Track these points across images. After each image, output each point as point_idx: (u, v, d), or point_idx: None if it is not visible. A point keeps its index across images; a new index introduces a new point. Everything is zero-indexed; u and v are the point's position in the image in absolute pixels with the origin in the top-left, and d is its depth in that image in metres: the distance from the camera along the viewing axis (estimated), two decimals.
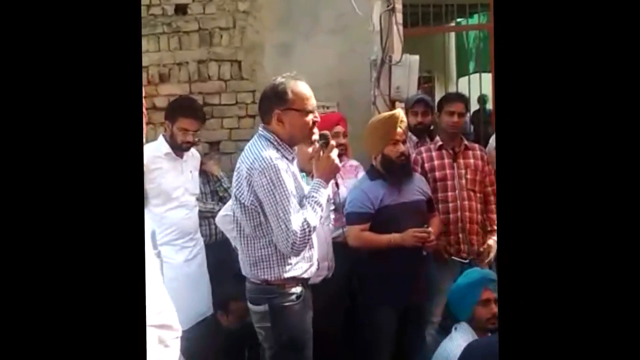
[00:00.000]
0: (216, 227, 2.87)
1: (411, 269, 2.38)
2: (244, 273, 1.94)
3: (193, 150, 2.82)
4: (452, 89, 5.43)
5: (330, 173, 1.93)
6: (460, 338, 2.06)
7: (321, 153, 1.92)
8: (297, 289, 1.90)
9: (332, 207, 2.59)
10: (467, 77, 6.27)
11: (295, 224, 1.79)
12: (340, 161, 2.79)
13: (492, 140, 2.83)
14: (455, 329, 2.14)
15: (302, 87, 1.89)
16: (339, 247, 2.53)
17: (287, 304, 1.87)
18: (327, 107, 3.21)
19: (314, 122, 1.90)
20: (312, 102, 1.90)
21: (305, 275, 1.93)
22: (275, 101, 1.87)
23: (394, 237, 2.33)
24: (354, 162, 2.85)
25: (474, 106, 6.26)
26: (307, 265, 1.92)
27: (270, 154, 1.82)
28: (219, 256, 2.72)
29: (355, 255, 2.49)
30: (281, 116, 1.86)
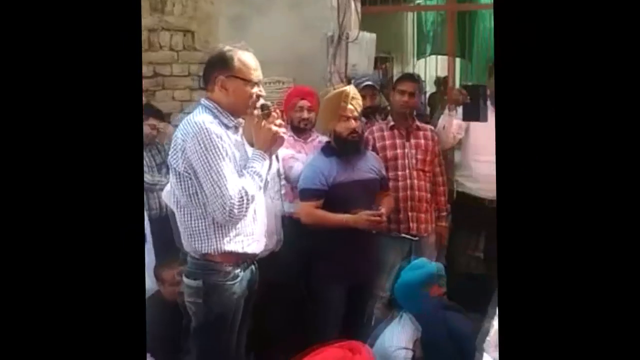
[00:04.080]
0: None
1: (360, 246, 2.40)
2: (182, 246, 1.90)
3: None
4: (409, 70, 5.47)
5: (270, 144, 1.89)
6: (400, 330, 2.08)
7: (263, 124, 1.89)
8: (237, 270, 1.87)
9: (283, 182, 2.57)
10: (424, 59, 6.33)
11: (232, 190, 1.75)
12: (308, 137, 2.80)
13: (441, 120, 2.87)
14: (401, 317, 2.15)
15: (249, 58, 1.85)
16: (291, 222, 2.52)
17: (222, 282, 1.83)
18: (283, 83, 3.17)
19: (258, 96, 1.86)
20: (258, 74, 1.86)
21: (249, 250, 1.90)
22: (219, 67, 1.84)
23: (346, 218, 2.34)
24: (325, 138, 2.83)
25: (432, 88, 6.35)
26: (248, 240, 1.89)
27: (204, 118, 1.78)
28: (166, 230, 2.66)
29: (305, 231, 2.50)
30: (224, 83, 1.82)
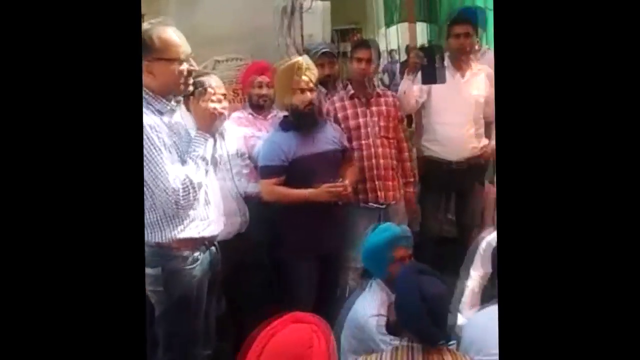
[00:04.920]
0: None
1: (328, 219, 2.39)
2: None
3: None
4: (380, 40, 5.41)
5: (209, 123, 1.83)
6: (371, 297, 2.08)
7: (199, 102, 1.82)
8: (195, 253, 1.84)
9: (247, 162, 2.54)
10: (396, 27, 6.26)
11: (174, 181, 1.71)
12: (267, 113, 2.75)
13: (402, 85, 2.84)
14: (370, 285, 2.15)
15: (171, 34, 1.74)
16: (258, 202, 2.50)
17: (181, 267, 1.81)
18: (240, 59, 3.10)
19: (190, 72, 1.78)
20: (184, 50, 1.76)
21: (206, 234, 1.87)
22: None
23: (308, 192, 2.31)
24: (285, 113, 2.78)
25: (403, 56, 6.29)
26: (203, 224, 1.85)
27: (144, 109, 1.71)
28: None
29: (273, 209, 2.48)
30: (150, 67, 1.72)
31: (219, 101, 1.84)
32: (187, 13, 3.05)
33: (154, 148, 1.69)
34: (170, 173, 1.70)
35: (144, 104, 1.75)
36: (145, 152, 1.68)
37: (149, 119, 1.71)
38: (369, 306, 2.07)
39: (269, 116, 2.74)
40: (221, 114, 1.85)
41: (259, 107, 2.71)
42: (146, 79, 1.75)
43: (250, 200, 2.50)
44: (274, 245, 2.48)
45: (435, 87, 2.80)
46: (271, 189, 2.38)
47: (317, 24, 2.87)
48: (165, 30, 1.74)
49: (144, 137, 1.68)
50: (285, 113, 2.49)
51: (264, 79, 2.66)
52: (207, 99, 1.82)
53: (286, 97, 2.38)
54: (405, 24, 5.71)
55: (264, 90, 2.67)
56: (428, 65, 2.65)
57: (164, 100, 1.78)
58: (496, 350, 1.84)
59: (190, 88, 1.81)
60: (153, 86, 1.75)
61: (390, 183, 2.72)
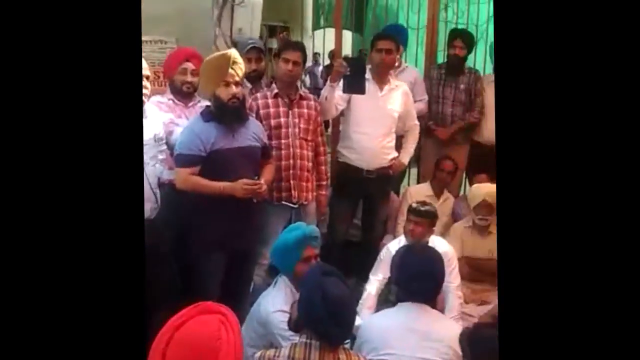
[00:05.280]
0: None
1: (242, 215, 2.40)
2: None
3: None
4: (307, 42, 5.48)
5: None
6: (275, 293, 2.13)
7: None
8: None
9: (163, 148, 2.48)
10: (322, 31, 6.36)
11: None
12: (189, 101, 2.68)
13: (324, 91, 2.94)
14: (276, 282, 2.20)
15: None
16: (171, 189, 2.45)
17: None
18: (165, 42, 3.01)
19: None
20: None
21: None
22: None
23: (224, 185, 2.31)
24: (207, 103, 2.73)
25: (327, 60, 6.42)
26: None
27: None
28: None
29: (186, 198, 2.44)
30: None
31: (186, 94, 1.79)
32: None
33: None
34: None
35: None
36: None
37: None
38: (273, 302, 2.12)
39: (190, 104, 2.69)
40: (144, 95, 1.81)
41: (181, 93, 2.65)
42: None
43: (163, 187, 2.44)
44: (184, 235, 2.45)
45: (355, 97, 2.92)
46: (186, 178, 2.35)
47: (247, 18, 2.87)
48: None
49: None
50: (208, 103, 2.47)
51: (189, 65, 2.62)
52: None
53: (211, 88, 2.36)
54: (331, 30, 5.86)
55: (189, 78, 2.62)
56: (351, 75, 2.76)
57: None
58: (392, 351, 1.95)
59: None
60: None
61: (304, 184, 2.79)
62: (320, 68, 6.00)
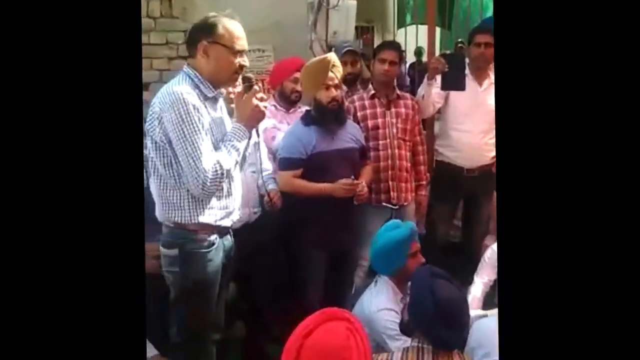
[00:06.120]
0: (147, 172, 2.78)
1: (342, 216, 2.42)
2: (157, 216, 1.88)
3: None
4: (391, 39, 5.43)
5: (251, 118, 1.87)
6: (377, 292, 2.12)
7: (245, 97, 1.86)
8: (212, 237, 1.87)
9: (265, 155, 2.56)
10: (405, 28, 6.28)
11: (207, 163, 1.74)
12: (292, 107, 2.77)
13: (421, 89, 2.88)
14: (376, 282, 2.19)
15: (235, 26, 1.82)
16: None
17: (197, 250, 1.84)
18: (263, 51, 3.12)
19: (241, 66, 1.83)
20: (242, 44, 1.83)
21: (223, 224, 1.89)
22: (203, 33, 1.80)
23: (324, 186, 2.35)
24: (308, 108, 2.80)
25: (412, 58, 6.33)
26: (222, 213, 1.88)
27: (182, 88, 1.75)
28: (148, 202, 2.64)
29: (286, 200, 2.51)
30: (207, 49, 1.79)
31: (262, 99, 1.88)
32: (214, 2, 3.07)
33: (193, 127, 1.72)
34: (203, 153, 1.74)
35: (192, 84, 1.80)
36: (183, 130, 1.72)
37: (193, 99, 1.75)
38: (376, 301, 2.10)
39: (292, 110, 2.77)
40: (262, 112, 1.89)
41: (288, 101, 2.74)
42: (201, 60, 1.80)
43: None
44: (287, 237, 2.52)
45: (454, 94, 2.85)
46: (289, 180, 2.42)
47: (342, 21, 2.88)
48: (231, 21, 1.82)
49: (186, 116, 1.71)
50: (308, 108, 2.52)
51: (299, 75, 2.66)
52: (252, 95, 1.86)
53: (311, 92, 2.41)
54: (414, 27, 5.75)
55: (299, 87, 2.69)
56: (450, 71, 2.69)
57: (211, 86, 1.83)
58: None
59: (238, 83, 1.85)
60: (205, 69, 1.81)
61: (403, 185, 2.76)
62: (406, 67, 5.91)
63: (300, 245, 2.46)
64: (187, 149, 1.72)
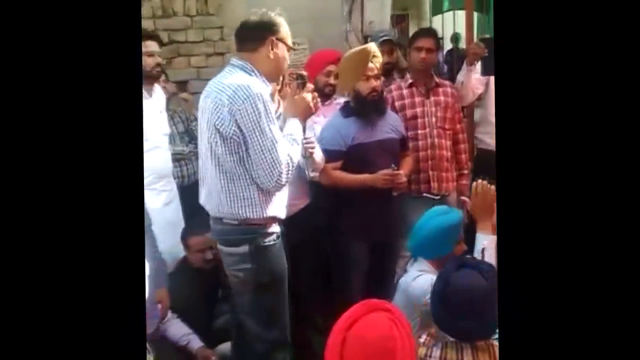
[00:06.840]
0: (188, 169, 2.84)
1: (383, 207, 2.41)
2: (216, 213, 1.89)
3: (158, 88, 2.72)
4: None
5: (304, 114, 1.92)
6: (414, 269, 2.06)
7: (299, 93, 1.91)
8: (277, 228, 1.90)
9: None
10: (441, 15, 6.16)
11: (282, 156, 1.77)
12: (327, 99, 2.75)
13: (460, 75, 2.82)
14: (412, 264, 2.13)
15: (286, 24, 1.90)
16: (311, 184, 2.53)
17: (268, 243, 1.86)
18: (299, 44, 3.12)
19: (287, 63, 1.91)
20: (291, 42, 1.92)
21: (282, 216, 1.94)
22: (269, 29, 1.85)
23: (364, 177, 2.34)
24: (343, 99, 2.79)
25: (448, 45, 6.20)
26: (283, 204, 1.93)
27: (254, 81, 1.80)
28: (190, 199, 2.70)
29: (328, 192, 2.51)
30: (275, 44, 1.84)
31: (314, 97, 1.92)
32: None
33: (270, 121, 1.75)
34: (278, 141, 1.76)
35: (256, 78, 1.83)
36: (260, 125, 1.74)
37: (265, 93, 1.79)
38: (413, 278, 2.01)
39: (327, 102, 2.76)
40: (315, 108, 1.94)
41: (323, 94, 2.73)
42: (263, 55, 1.85)
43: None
44: (329, 228, 2.52)
45: (494, 79, 2.77)
46: (329, 172, 2.42)
47: (377, 11, 2.85)
48: (283, 20, 1.89)
49: (263, 110, 1.74)
50: (346, 99, 2.51)
51: (333, 68, 2.66)
52: (306, 91, 1.90)
53: (351, 83, 2.40)
54: (451, 12, 5.64)
55: (332, 80, 2.67)
56: (489, 56, 2.63)
57: (267, 82, 1.88)
58: None
59: (289, 79, 1.89)
60: (265, 64, 1.86)
61: (444, 174, 2.71)
62: (442, 53, 5.80)
63: (341, 236, 2.46)
64: (264, 143, 1.74)
